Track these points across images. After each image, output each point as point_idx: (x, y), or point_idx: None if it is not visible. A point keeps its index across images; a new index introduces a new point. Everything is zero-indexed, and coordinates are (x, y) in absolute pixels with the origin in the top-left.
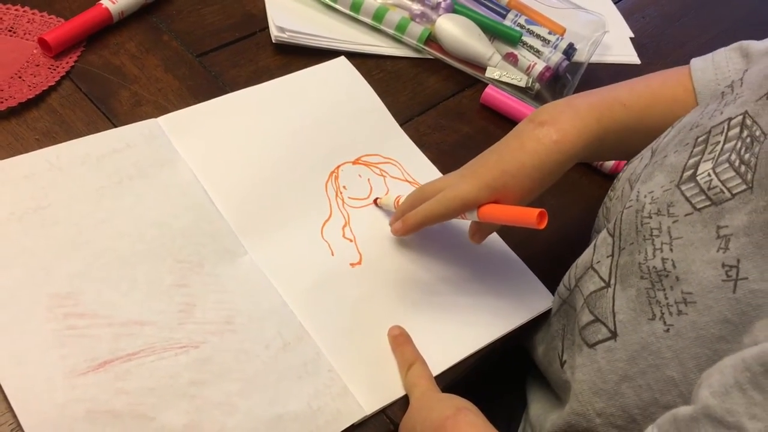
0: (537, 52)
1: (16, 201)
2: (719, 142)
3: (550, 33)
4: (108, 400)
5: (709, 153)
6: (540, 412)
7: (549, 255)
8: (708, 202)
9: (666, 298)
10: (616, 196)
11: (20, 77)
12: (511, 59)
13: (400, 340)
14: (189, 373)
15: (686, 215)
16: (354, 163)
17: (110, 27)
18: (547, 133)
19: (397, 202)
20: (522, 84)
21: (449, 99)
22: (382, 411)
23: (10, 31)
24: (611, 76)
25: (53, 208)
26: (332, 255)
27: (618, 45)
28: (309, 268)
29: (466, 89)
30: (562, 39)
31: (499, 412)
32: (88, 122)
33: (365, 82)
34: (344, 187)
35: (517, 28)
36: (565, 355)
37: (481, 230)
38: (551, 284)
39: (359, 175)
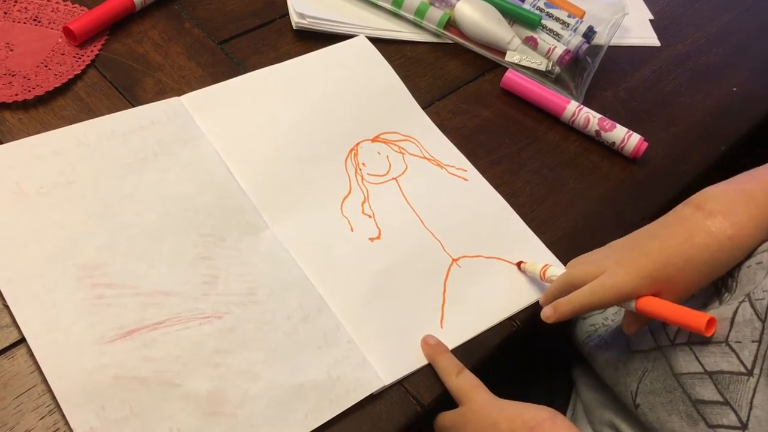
0: (557, 36)
1: (46, 175)
2: None
3: (569, 16)
4: (135, 366)
5: None
6: (592, 397)
7: (571, 238)
8: None
9: None
10: (759, 263)
11: (46, 66)
12: (531, 43)
13: (439, 348)
14: (213, 342)
15: None
16: (373, 140)
17: (133, 15)
18: (721, 226)
19: (544, 272)
20: (542, 68)
21: (469, 83)
22: (400, 382)
23: (35, 20)
24: (631, 59)
25: (81, 183)
26: (352, 231)
27: (638, 27)
28: (329, 242)
29: (486, 73)
30: (581, 22)
31: (539, 394)
32: (113, 110)
33: (384, 60)
34: (363, 164)
35: (537, 12)
36: (639, 398)
37: (638, 321)
38: None
39: (378, 152)
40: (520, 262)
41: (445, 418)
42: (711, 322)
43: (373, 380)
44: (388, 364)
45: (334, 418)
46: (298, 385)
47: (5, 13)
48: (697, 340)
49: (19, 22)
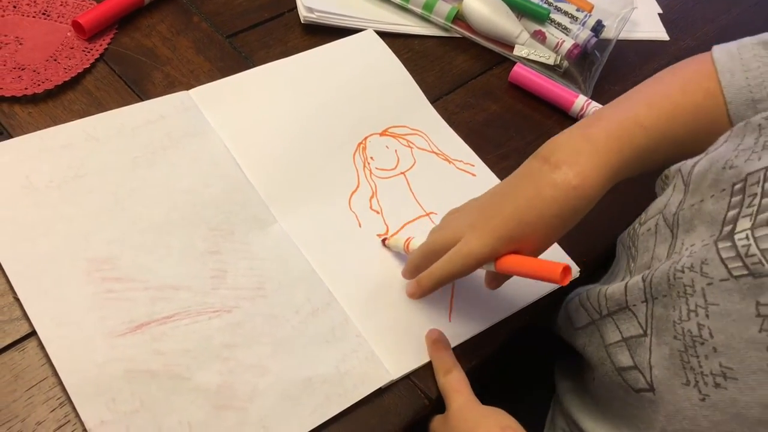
0: (565, 30)
1: (55, 169)
2: (756, 194)
3: (578, 10)
4: (145, 360)
5: (747, 207)
6: (565, 403)
7: (577, 229)
8: (745, 271)
9: (700, 366)
10: (648, 229)
11: (56, 60)
12: (539, 37)
13: (439, 345)
14: (222, 335)
15: (721, 280)
16: (381, 134)
17: (141, 9)
18: (565, 177)
19: (407, 245)
20: (550, 62)
21: (477, 78)
22: (408, 376)
23: (44, 14)
24: (640, 53)
25: (90, 177)
26: (359, 226)
27: (646, 21)
28: (337, 237)
29: (494, 67)
30: (590, 16)
31: (527, 400)
32: (122, 104)
33: (392, 54)
34: (372, 158)
35: (545, 6)
36: (594, 372)
37: (497, 278)
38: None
39: (386, 146)
40: (384, 239)
41: (433, 422)
42: (566, 270)
43: (382, 374)
44: (396, 358)
45: (342, 411)
46: (307, 379)
47: (14, 6)
48: (613, 310)
49: (28, 16)
